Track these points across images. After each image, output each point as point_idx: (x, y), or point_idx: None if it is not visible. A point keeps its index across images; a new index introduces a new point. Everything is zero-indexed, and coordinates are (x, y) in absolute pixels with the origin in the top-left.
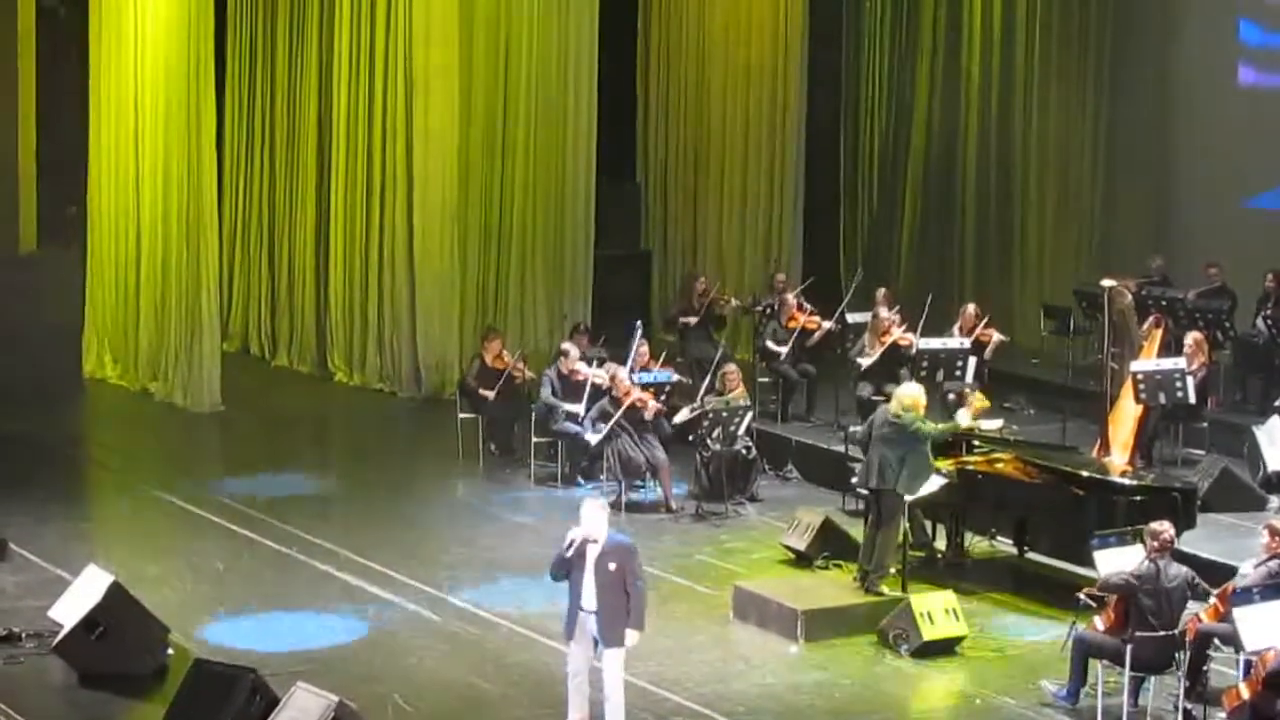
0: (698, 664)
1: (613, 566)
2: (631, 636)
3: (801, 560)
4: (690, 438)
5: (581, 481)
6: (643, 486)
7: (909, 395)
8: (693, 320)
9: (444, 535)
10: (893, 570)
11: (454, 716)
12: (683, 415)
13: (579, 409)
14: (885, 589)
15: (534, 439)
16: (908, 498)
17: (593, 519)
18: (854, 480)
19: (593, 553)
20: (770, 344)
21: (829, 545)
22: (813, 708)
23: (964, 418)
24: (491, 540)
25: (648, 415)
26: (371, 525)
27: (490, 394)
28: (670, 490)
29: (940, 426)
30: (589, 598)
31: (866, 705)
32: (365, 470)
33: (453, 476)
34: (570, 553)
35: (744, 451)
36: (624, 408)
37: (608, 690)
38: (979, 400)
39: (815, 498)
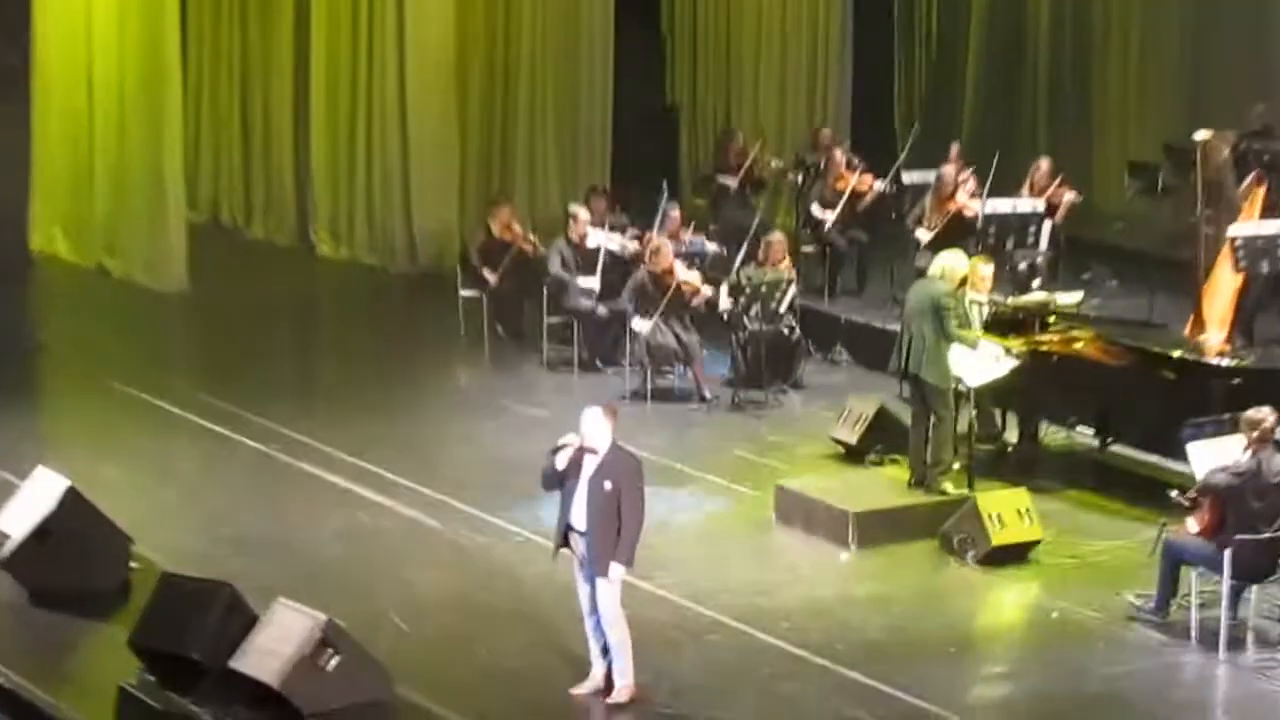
0: (737, 575)
1: (608, 486)
2: (615, 570)
3: (853, 456)
4: (726, 316)
5: (601, 366)
6: (670, 373)
7: (948, 263)
8: (731, 182)
9: (446, 431)
10: (956, 465)
11: (459, 638)
12: (724, 302)
13: (593, 283)
14: (949, 487)
15: (546, 319)
16: (976, 380)
17: (593, 429)
18: (892, 364)
19: (590, 465)
20: (816, 209)
21: (884, 438)
22: (866, 623)
23: (979, 298)
24: (500, 436)
25: (695, 302)
26: (363, 420)
27: (493, 276)
28: (703, 377)
29: (958, 331)
30: (579, 515)
31: (927, 620)
32: (355, 357)
33: (455, 363)
34: (563, 464)
35: (787, 332)
36: (670, 293)
37: (605, 624)
38: (978, 271)
39: (868, 384)
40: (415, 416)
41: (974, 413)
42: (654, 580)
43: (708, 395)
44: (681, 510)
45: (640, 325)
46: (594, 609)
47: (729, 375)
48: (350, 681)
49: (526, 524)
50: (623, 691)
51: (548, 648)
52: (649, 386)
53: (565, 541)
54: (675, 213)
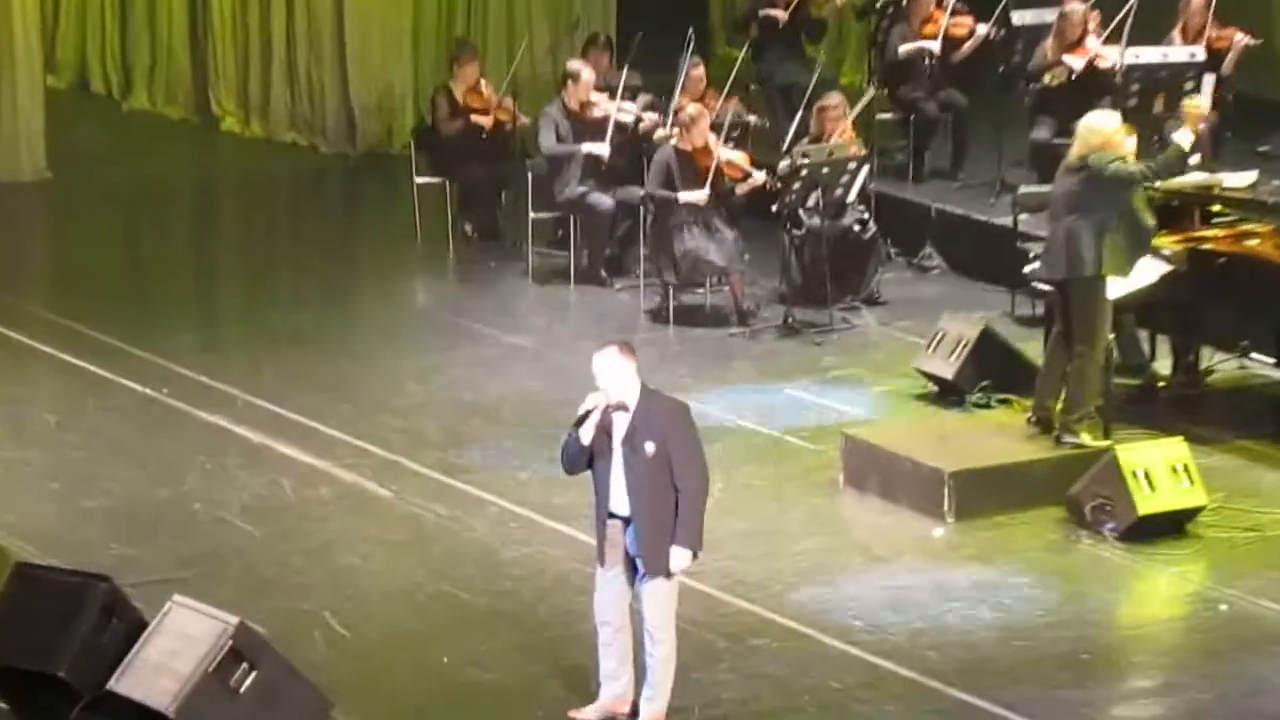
0: (791, 558)
1: (650, 448)
2: (680, 557)
3: (948, 395)
4: (773, 208)
5: (608, 279)
6: (700, 287)
7: (1098, 128)
8: (779, 16)
9: (397, 367)
10: (1092, 408)
11: (416, 645)
12: (773, 178)
13: (602, 149)
14: (1085, 437)
15: (532, 215)
16: (1114, 291)
17: (612, 375)
18: (1028, 270)
19: (620, 427)
20: (898, 57)
21: (990, 371)
22: (969, 622)
23: (1184, 138)
24: (469, 373)
25: (742, 191)
26: (285, 354)
27: (460, 136)
28: (742, 291)
29: (1153, 163)
30: (619, 497)
31: (1050, 617)
32: (273, 268)
33: (409, 275)
34: (588, 433)
35: (857, 229)
36: (709, 178)
37: (649, 636)
38: (1194, 106)
39: (968, 298)
40: (355, 348)
41: (1113, 336)
42: (684, 571)
43: (749, 312)
44: (717, 472)
45: (690, 195)
46: (613, 617)
47: (781, 288)
48: (270, 706)
49: (505, 491)
50: (654, 718)
51: (534, 656)
52: (671, 305)
53: (603, 536)
54: (699, 70)
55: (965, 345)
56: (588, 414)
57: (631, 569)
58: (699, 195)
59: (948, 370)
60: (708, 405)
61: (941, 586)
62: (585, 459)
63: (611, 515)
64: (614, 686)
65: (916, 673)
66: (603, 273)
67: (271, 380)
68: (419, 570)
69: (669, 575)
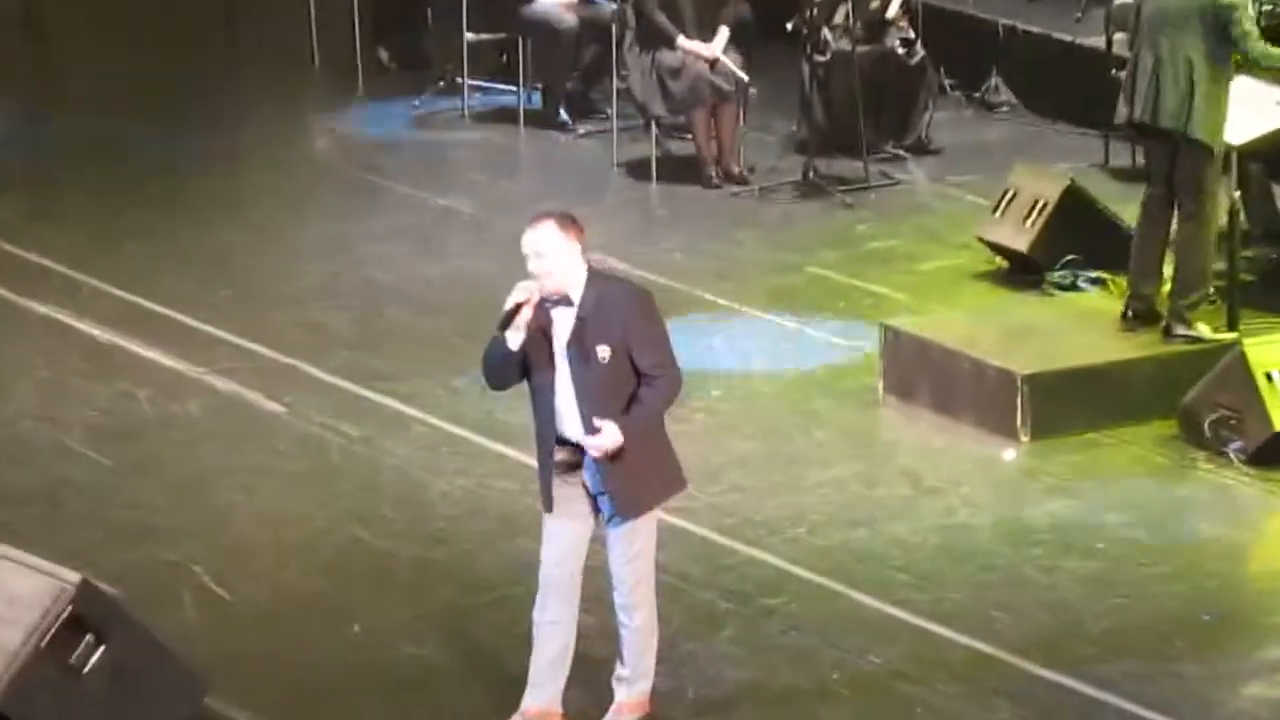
0: (815, 491)
1: (603, 353)
2: (607, 436)
3: (1022, 273)
4: (789, 26)
5: (566, 119)
6: (690, 132)
7: None
8: None
9: (291, 240)
10: (1210, 290)
11: (318, 609)
12: None
13: None
14: (1202, 328)
15: (468, 35)
16: (1236, 133)
17: (548, 257)
18: (1120, 112)
19: (562, 325)
20: None
21: (1076, 241)
22: (1053, 576)
23: None
24: (387, 248)
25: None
26: (144, 224)
27: None
28: (732, 135)
29: (1261, 45)
30: (568, 418)
31: (1163, 567)
32: (126, 107)
33: (306, 116)
34: (516, 337)
35: (900, 54)
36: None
37: (622, 598)
38: None
39: (1047, 145)
40: (237, 215)
41: (1237, 194)
42: (671, 506)
43: (741, 175)
44: (716, 377)
45: (696, 46)
46: (560, 580)
47: (799, 133)
48: (124, 690)
49: (435, 405)
50: (633, 707)
51: (473, 624)
52: (654, 154)
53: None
54: None
55: (1043, 208)
56: (516, 310)
57: (592, 513)
58: (710, 48)
59: (1021, 240)
60: (704, 289)
61: (1013, 527)
62: (517, 370)
63: (561, 442)
64: (541, 692)
65: (981, 642)
66: (562, 112)
67: (126, 258)
68: (321, 511)
69: (642, 513)
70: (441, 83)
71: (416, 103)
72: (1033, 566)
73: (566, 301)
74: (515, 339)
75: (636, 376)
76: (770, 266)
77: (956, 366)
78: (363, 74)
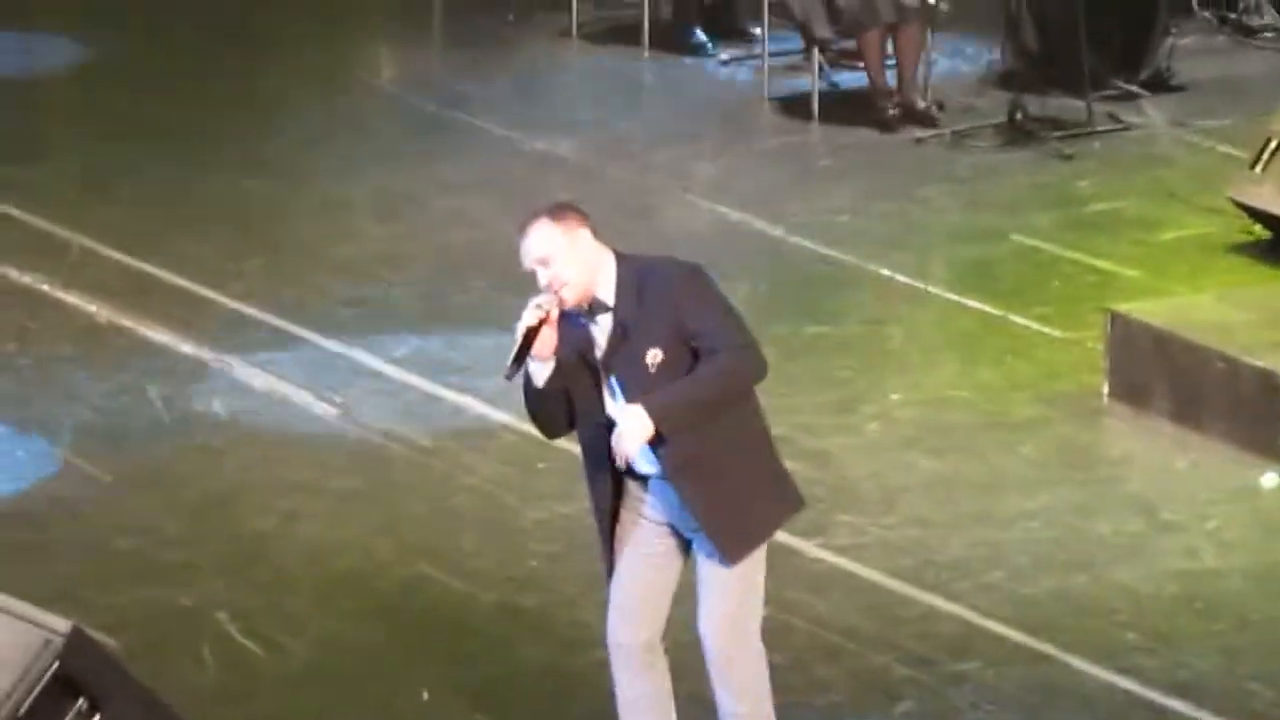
0: (1021, 526)
1: (653, 357)
2: (634, 418)
3: None
4: None
5: (703, 41)
6: (858, 63)
7: None
8: None
9: (345, 191)
10: None
11: (372, 669)
12: None
13: None
14: None
15: None
16: None
17: (554, 261)
18: None
19: (600, 337)
20: None
21: None
22: None
23: None
24: (468, 203)
25: None
26: (153, 169)
27: None
28: (915, 64)
29: None
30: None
31: None
32: (132, 14)
33: (368, 33)
34: (541, 366)
35: None
36: None
37: (720, 674)
38: None
39: None
40: (274, 158)
41: None
42: (836, 543)
43: (932, 109)
44: (894, 377)
45: None
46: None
47: (1003, 63)
48: None
49: (454, 366)
50: None
51: (571, 688)
52: (816, 87)
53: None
54: None
55: None
56: (531, 335)
57: (679, 553)
58: None
59: None
60: (878, 262)
61: (1275, 574)
62: (561, 408)
63: (628, 476)
64: None
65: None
66: (698, 34)
67: (129, 213)
68: (380, 542)
69: (753, 549)
70: None
71: (510, 17)
72: None
73: (601, 308)
74: (541, 372)
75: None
76: (964, 234)
77: (1204, 366)
78: None
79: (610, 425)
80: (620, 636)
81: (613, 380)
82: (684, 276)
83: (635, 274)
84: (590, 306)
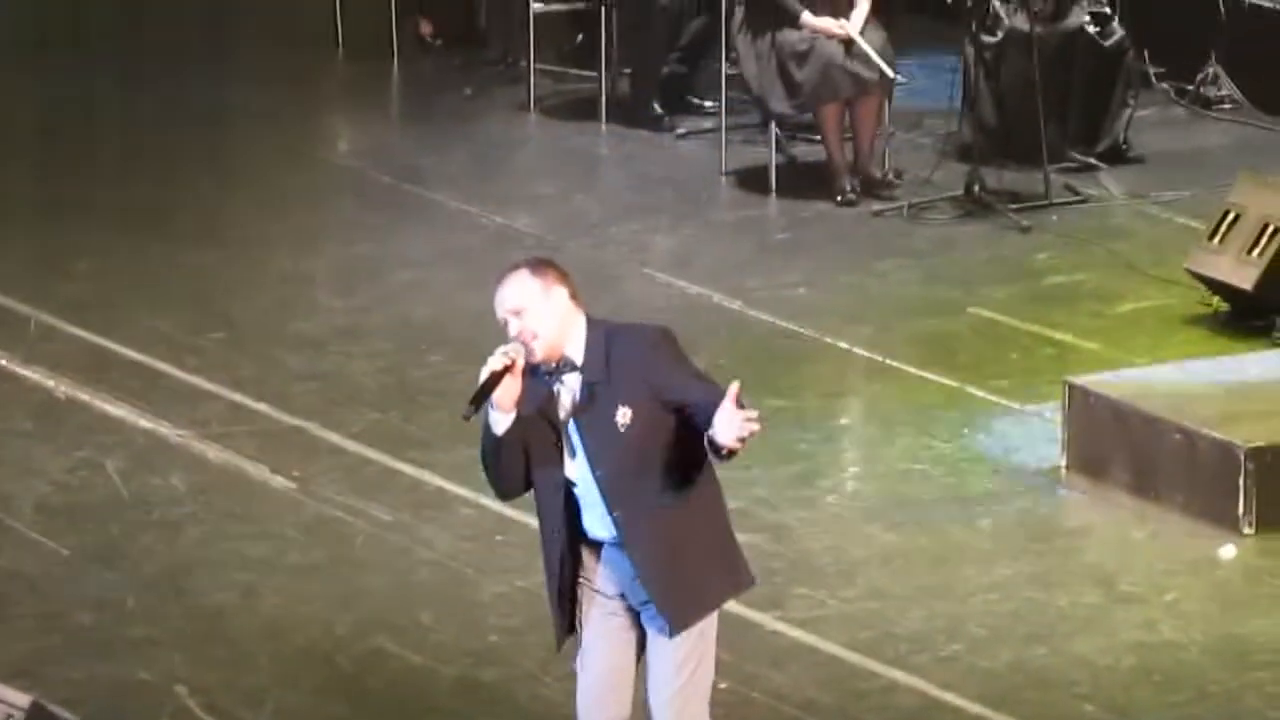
0: (979, 599)
1: (623, 417)
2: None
3: (1245, 318)
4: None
5: (660, 114)
6: (814, 137)
7: None
8: None
9: (304, 266)
10: None
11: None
12: None
13: None
14: None
15: (535, 5)
16: None
17: (530, 315)
18: None
19: (566, 396)
20: None
21: None
22: None
23: None
24: (426, 276)
25: None
26: (114, 244)
27: None
28: (872, 137)
29: None
30: (591, 509)
31: None
32: (94, 95)
33: (326, 109)
34: (502, 415)
35: (1091, 32)
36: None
37: None
38: None
39: (1277, 149)
40: (233, 233)
41: None
42: (794, 617)
43: (890, 178)
44: (852, 450)
45: (826, 23)
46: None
47: (962, 134)
48: None
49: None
50: None
51: None
52: (773, 160)
53: (570, 593)
54: None
55: (1275, 233)
56: (492, 381)
57: (633, 635)
58: (844, 26)
59: (1245, 276)
60: (836, 335)
61: (1233, 646)
62: (518, 465)
63: (584, 542)
64: None
65: None
66: (655, 107)
67: (87, 289)
68: (338, 616)
69: (699, 619)
70: (500, 66)
71: (468, 91)
72: (1258, 695)
73: (569, 366)
74: (502, 422)
75: (673, 437)
76: (922, 307)
77: (1162, 437)
78: (398, 54)
79: (568, 485)
80: (591, 718)
81: (574, 439)
82: (652, 337)
83: (604, 336)
84: (557, 364)
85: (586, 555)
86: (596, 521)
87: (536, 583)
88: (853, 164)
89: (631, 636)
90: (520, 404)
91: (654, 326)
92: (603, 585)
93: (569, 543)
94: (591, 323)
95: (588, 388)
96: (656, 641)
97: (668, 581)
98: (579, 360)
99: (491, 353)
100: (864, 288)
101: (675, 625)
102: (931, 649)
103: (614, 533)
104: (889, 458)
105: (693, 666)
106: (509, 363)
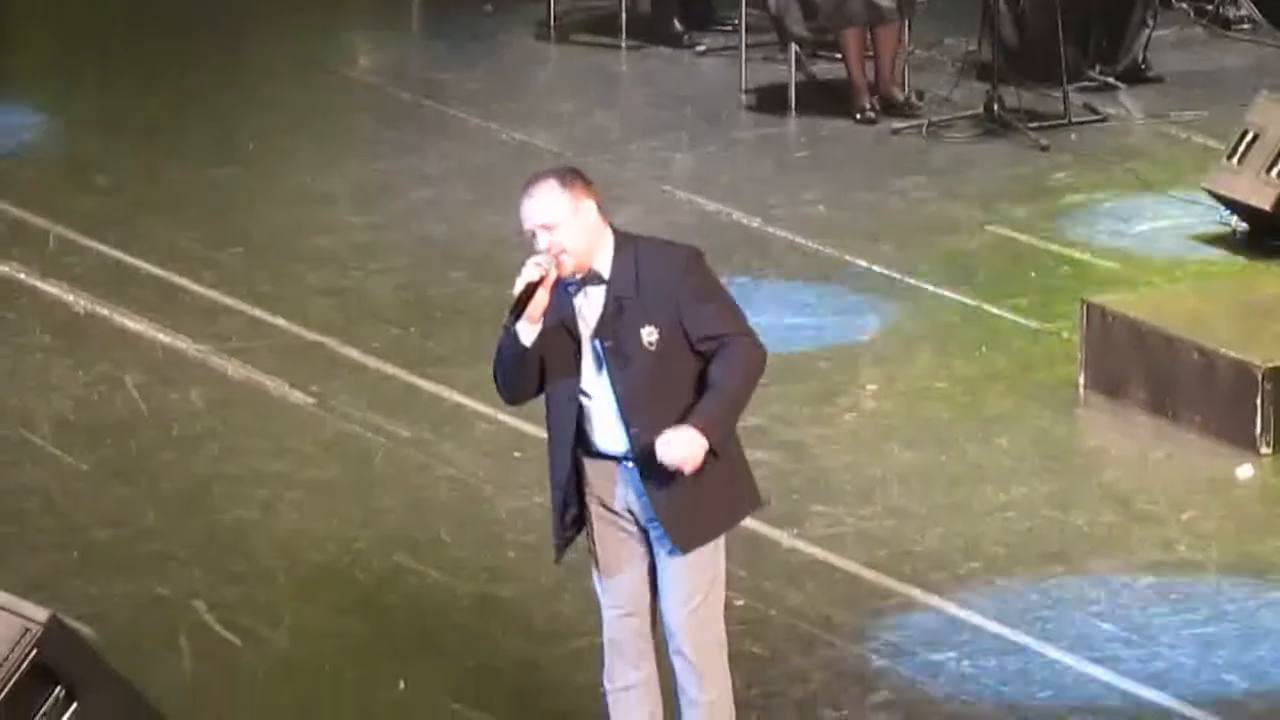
0: (995, 518)
1: (650, 335)
2: (686, 445)
3: (1265, 237)
4: None
5: (685, 34)
6: (835, 55)
7: None
8: None
9: (321, 182)
10: None
11: (350, 659)
12: None
13: None
14: None
15: None
16: None
17: (557, 226)
18: None
19: (589, 311)
20: None
21: None
22: None
23: None
24: (445, 194)
25: None
26: (129, 157)
27: None
28: (893, 59)
29: None
30: (604, 427)
31: None
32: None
33: (345, 23)
34: (530, 326)
35: None
36: None
37: (686, 664)
38: None
39: None
40: (250, 149)
41: None
42: (812, 534)
43: (908, 99)
44: (870, 368)
45: None
46: (629, 642)
47: (980, 54)
48: None
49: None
50: None
51: (548, 680)
52: (793, 78)
53: (579, 507)
54: None
55: None
56: (529, 293)
57: (646, 553)
58: None
59: (1264, 196)
60: (854, 253)
61: (1250, 565)
62: (536, 374)
63: (596, 452)
64: None
65: (1207, 713)
66: (676, 24)
67: (106, 204)
68: (358, 533)
69: (705, 543)
70: None
71: (488, 8)
72: (1274, 615)
73: (595, 279)
74: (529, 332)
75: (694, 363)
76: (941, 225)
77: (1179, 357)
78: None
79: (583, 397)
80: (612, 629)
81: (598, 351)
82: (684, 262)
83: (633, 251)
84: (583, 277)
85: (594, 469)
86: (610, 436)
87: None
88: (873, 83)
89: (646, 553)
90: (546, 314)
91: (685, 248)
92: (610, 501)
93: (577, 454)
94: (619, 237)
95: (616, 301)
96: (669, 562)
97: (678, 501)
98: (606, 275)
99: (515, 268)
100: (883, 206)
101: (684, 544)
102: (949, 567)
103: (628, 448)
104: (907, 376)
105: (706, 587)
106: (543, 274)
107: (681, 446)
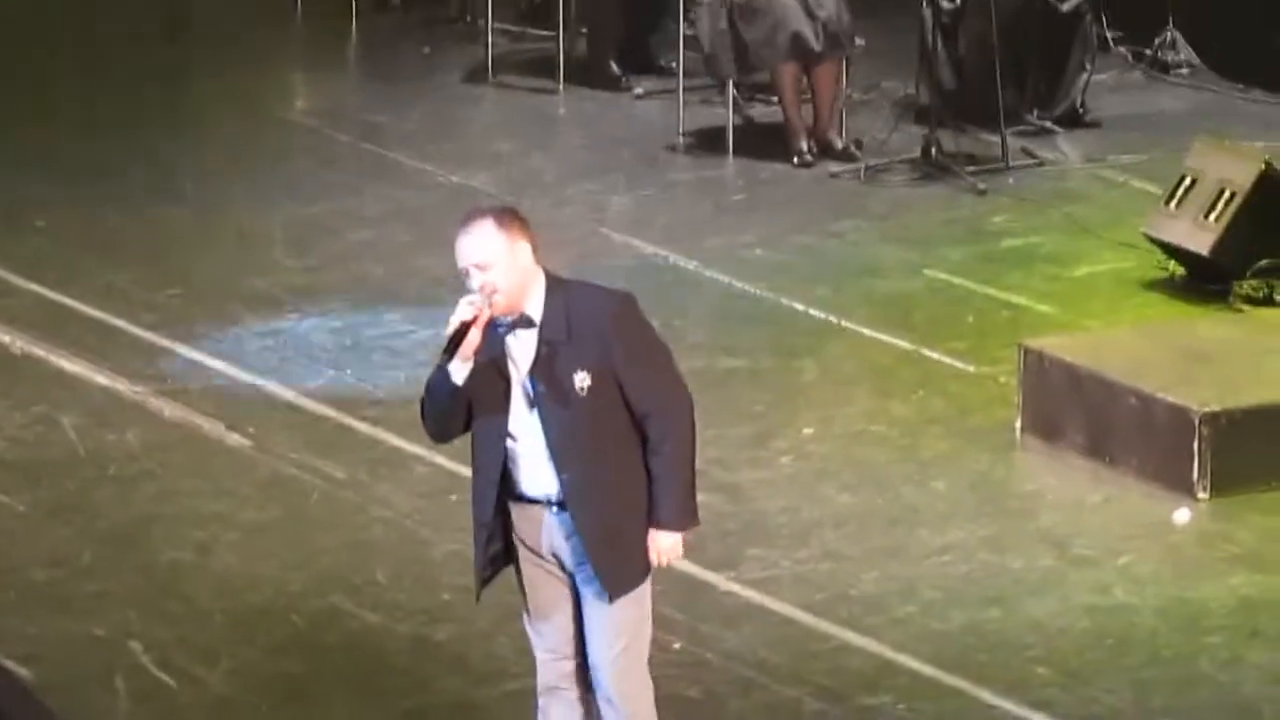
0: (933, 561)
1: (581, 381)
2: (664, 545)
3: (1203, 281)
4: None
5: (618, 74)
6: (773, 98)
7: None
8: None
9: (260, 222)
10: None
11: (286, 701)
12: None
13: None
14: None
15: None
16: None
17: (490, 266)
18: None
19: (522, 353)
20: None
21: (1270, 241)
22: (1238, 674)
23: None
24: (384, 234)
25: None
26: (70, 200)
27: None
28: (832, 105)
29: None
30: (532, 470)
31: None
32: (55, 54)
33: (284, 66)
34: (462, 364)
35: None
36: None
37: (607, 695)
38: None
39: (1235, 117)
40: (190, 188)
41: None
42: (748, 577)
43: (847, 147)
44: (807, 411)
45: None
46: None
47: (919, 98)
48: None
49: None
50: None
51: None
52: (731, 121)
53: (503, 553)
54: None
55: (1231, 198)
56: (462, 332)
57: (570, 595)
58: None
59: (1202, 240)
60: (792, 296)
61: (1186, 609)
62: (462, 412)
63: (522, 497)
64: None
65: None
66: (613, 67)
67: (44, 244)
68: (293, 573)
69: (635, 587)
70: (459, 24)
71: (426, 49)
72: (1210, 660)
73: (525, 323)
74: (461, 371)
75: (624, 409)
76: (878, 268)
77: (1117, 401)
78: (357, 14)
79: (509, 440)
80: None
81: (529, 393)
82: (617, 310)
83: (564, 295)
84: (514, 320)
85: (519, 513)
86: (537, 480)
87: None
88: (811, 126)
89: (572, 596)
90: (478, 353)
91: (617, 294)
92: (536, 546)
93: (501, 495)
94: (551, 280)
95: (548, 345)
96: (596, 605)
97: (608, 545)
98: (537, 318)
99: (450, 309)
100: (820, 249)
101: (613, 589)
102: (885, 611)
103: (559, 491)
104: (844, 419)
105: (633, 629)
106: (477, 313)
107: (674, 551)
